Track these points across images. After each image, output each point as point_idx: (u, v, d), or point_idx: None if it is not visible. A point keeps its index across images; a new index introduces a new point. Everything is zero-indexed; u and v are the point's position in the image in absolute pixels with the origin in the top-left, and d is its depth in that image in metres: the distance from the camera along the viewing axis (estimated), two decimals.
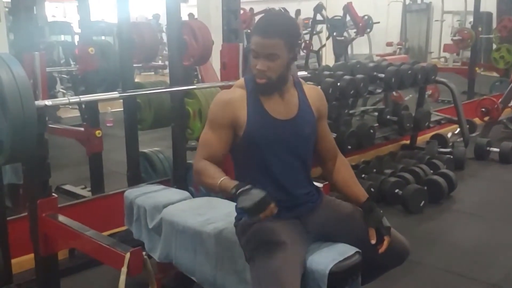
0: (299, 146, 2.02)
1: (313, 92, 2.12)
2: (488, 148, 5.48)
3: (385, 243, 1.97)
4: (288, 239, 1.88)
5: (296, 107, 2.02)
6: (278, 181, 1.99)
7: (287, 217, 1.98)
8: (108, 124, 6.14)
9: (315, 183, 2.23)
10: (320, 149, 2.17)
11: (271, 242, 1.87)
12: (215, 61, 3.46)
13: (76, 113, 5.12)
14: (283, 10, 12.48)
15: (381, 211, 2.04)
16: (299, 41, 1.91)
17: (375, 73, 4.77)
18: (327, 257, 1.89)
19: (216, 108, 1.98)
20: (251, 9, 13.72)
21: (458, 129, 5.73)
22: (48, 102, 2.14)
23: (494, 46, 9.14)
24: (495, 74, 9.52)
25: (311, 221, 2.04)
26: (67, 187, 4.42)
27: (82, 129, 3.85)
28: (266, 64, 1.89)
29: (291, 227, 1.96)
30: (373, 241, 1.95)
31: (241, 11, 3.22)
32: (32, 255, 2.51)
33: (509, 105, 6.46)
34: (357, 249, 1.96)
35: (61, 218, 2.36)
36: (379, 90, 4.85)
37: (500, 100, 6.12)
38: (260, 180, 1.92)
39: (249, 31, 12.88)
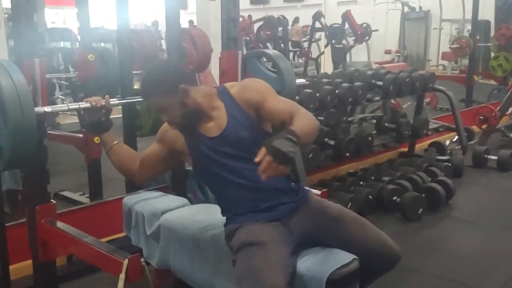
0: (246, 150, 2.01)
1: (238, 89, 2.10)
2: (486, 156, 5.49)
3: (263, 160, 1.68)
4: (269, 239, 1.90)
5: (225, 118, 2.05)
6: (247, 185, 2.02)
7: (268, 220, 2.00)
8: None
9: (311, 189, 2.25)
10: (278, 123, 2.06)
11: (252, 243, 1.90)
12: (214, 68, 3.47)
13: (75, 119, 5.13)
14: (281, 18, 12.53)
15: (288, 137, 1.71)
16: (180, 77, 2.05)
17: (373, 81, 4.78)
18: (325, 265, 1.89)
19: (161, 129, 2.24)
20: (249, 16, 13.77)
21: (456, 137, 5.75)
22: (48, 109, 2.15)
23: (492, 54, 9.16)
24: (493, 82, 9.54)
25: (293, 221, 2.03)
26: (66, 193, 4.42)
27: (81, 135, 3.86)
28: (164, 116, 2.08)
29: (272, 228, 1.97)
30: (256, 159, 1.69)
31: (240, 19, 3.24)
32: (30, 261, 2.51)
33: (507, 113, 6.48)
34: (355, 256, 1.96)
35: (60, 224, 2.36)
36: (377, 98, 4.86)
37: (498, 108, 6.13)
38: (233, 192, 2.05)
39: (247, 38, 12.94)
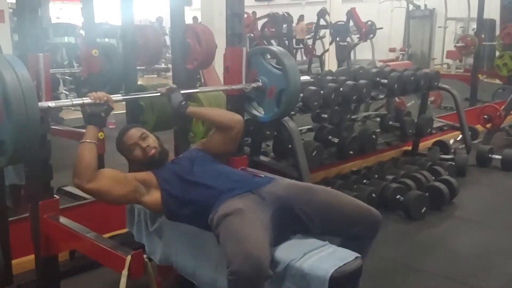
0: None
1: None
2: (490, 155, 5.47)
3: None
4: (245, 206, 2.07)
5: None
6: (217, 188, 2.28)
7: (241, 192, 2.20)
8: (110, 126, 6.15)
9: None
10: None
11: (229, 213, 2.04)
12: (218, 64, 3.46)
13: (79, 114, 5.11)
14: (286, 15, 12.50)
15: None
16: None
17: (378, 79, 4.77)
18: (328, 263, 1.89)
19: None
20: (254, 13, 13.74)
21: (460, 136, 5.73)
22: (51, 104, 2.14)
23: (497, 53, 9.13)
24: (497, 81, 9.51)
25: (265, 190, 2.22)
26: (69, 188, 4.42)
27: (85, 130, 3.84)
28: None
29: (246, 198, 2.16)
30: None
31: (244, 15, 3.22)
32: (32, 256, 2.50)
33: None
34: (358, 255, 1.97)
35: (62, 219, 2.36)
36: (381, 96, 4.84)
37: (502, 107, 6.11)
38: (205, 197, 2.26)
39: (252, 35, 12.92)
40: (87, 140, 2.24)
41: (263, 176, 2.52)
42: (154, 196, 2.34)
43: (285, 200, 2.17)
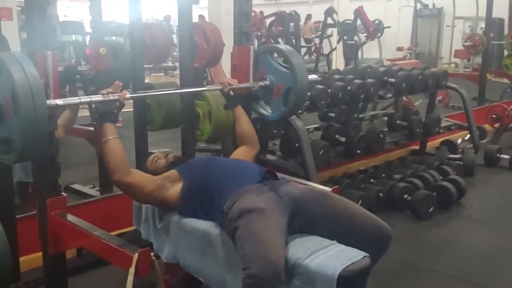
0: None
1: None
2: (498, 155, 5.44)
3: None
4: (266, 206, 2.05)
5: None
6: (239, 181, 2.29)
7: (259, 180, 2.28)
8: (117, 124, 6.11)
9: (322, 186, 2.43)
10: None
11: (251, 209, 2.03)
12: (225, 63, 3.46)
13: (86, 112, 5.13)
14: (293, 14, 12.48)
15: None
16: None
17: (385, 78, 4.76)
18: (336, 261, 1.88)
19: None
20: (261, 12, 13.72)
21: (468, 135, 5.71)
22: (60, 102, 2.14)
23: (506, 53, 9.08)
24: (506, 80, 9.46)
25: (282, 189, 2.22)
26: (76, 186, 4.44)
27: (92, 128, 3.86)
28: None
29: (267, 197, 2.14)
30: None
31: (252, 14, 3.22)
32: (40, 254, 2.51)
33: None
34: (366, 254, 1.96)
35: (70, 217, 2.37)
36: (389, 95, 4.83)
37: (511, 107, 6.08)
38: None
39: (259, 34, 12.90)
40: (110, 137, 2.27)
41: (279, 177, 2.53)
42: (177, 187, 2.38)
43: (300, 202, 2.17)
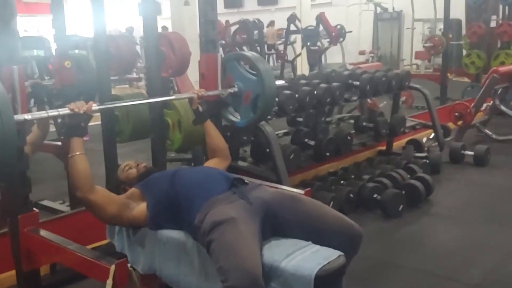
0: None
1: None
2: (462, 152, 5.57)
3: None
4: (237, 215, 2.05)
5: None
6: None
7: (228, 189, 2.26)
8: (85, 138, 6.02)
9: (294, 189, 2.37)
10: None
11: (222, 221, 2.02)
12: (190, 72, 3.47)
13: (52, 127, 5.06)
14: (257, 21, 12.56)
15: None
16: None
17: (350, 81, 4.83)
18: (312, 262, 1.91)
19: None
20: (227, 21, 13.79)
21: (433, 134, 5.82)
22: (28, 116, 2.12)
23: (464, 52, 9.32)
24: (466, 79, 9.71)
25: (252, 194, 2.22)
26: (45, 202, 4.37)
27: (59, 143, 3.81)
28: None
29: (237, 206, 2.14)
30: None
31: None
32: (13, 272, 2.47)
33: (481, 109, 6.60)
34: (341, 253, 1.99)
35: (43, 232, 2.34)
36: (354, 98, 4.91)
37: (472, 104, 6.24)
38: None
39: (224, 42, 12.94)
40: (77, 153, 2.24)
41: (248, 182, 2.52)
42: (141, 206, 2.34)
43: (271, 206, 2.17)
